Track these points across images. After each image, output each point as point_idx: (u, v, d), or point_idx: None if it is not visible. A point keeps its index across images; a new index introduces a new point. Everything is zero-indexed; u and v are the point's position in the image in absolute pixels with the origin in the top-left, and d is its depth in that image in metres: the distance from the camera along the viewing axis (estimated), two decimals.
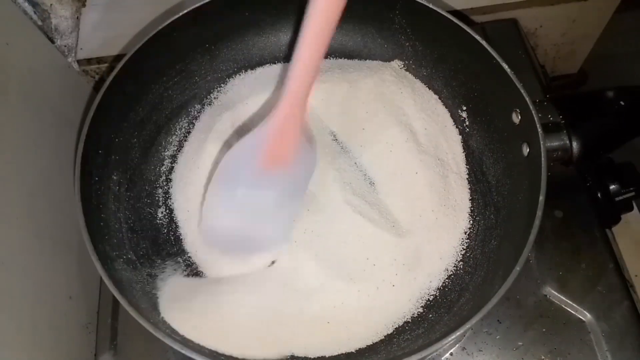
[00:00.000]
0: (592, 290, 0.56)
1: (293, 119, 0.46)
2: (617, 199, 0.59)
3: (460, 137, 0.60)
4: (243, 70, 0.65)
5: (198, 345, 0.46)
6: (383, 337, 0.49)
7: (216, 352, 0.46)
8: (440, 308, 0.50)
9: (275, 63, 0.65)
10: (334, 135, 0.59)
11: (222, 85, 0.64)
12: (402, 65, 0.64)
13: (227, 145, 0.57)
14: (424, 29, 0.61)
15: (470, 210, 0.56)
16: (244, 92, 0.62)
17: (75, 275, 0.56)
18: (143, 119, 0.60)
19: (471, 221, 0.55)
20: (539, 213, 0.45)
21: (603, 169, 0.61)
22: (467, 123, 0.60)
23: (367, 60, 0.64)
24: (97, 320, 0.58)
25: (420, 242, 0.52)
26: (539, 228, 0.45)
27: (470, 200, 0.56)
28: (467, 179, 0.58)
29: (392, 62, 0.64)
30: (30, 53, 0.56)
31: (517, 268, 0.43)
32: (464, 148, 0.59)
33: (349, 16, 0.63)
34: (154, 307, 0.49)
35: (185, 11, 0.57)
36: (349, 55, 0.65)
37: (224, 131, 0.58)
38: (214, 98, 0.63)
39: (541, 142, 0.48)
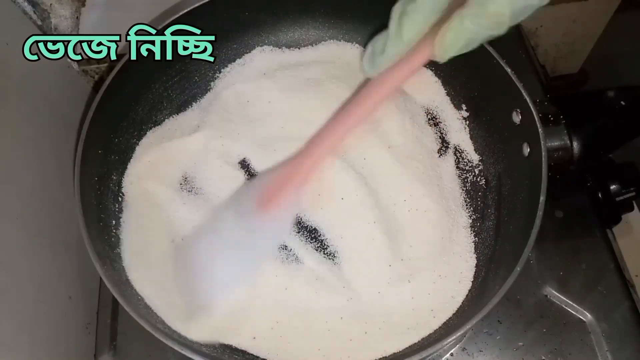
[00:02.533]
0: (592, 291, 0.55)
1: (296, 180, 0.50)
2: (617, 199, 0.59)
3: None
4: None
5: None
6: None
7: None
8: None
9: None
10: None
11: (223, 84, 0.64)
12: None
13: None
14: None
15: (470, 210, 0.56)
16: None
17: (75, 275, 0.56)
18: (143, 119, 0.59)
19: (471, 221, 0.55)
20: (540, 213, 0.45)
21: (604, 169, 0.61)
22: (467, 123, 0.60)
23: None
24: (96, 320, 0.58)
25: None
26: (539, 228, 0.44)
27: (469, 201, 0.56)
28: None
29: None
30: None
31: (518, 268, 0.43)
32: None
33: (349, 16, 0.64)
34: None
35: (185, 11, 0.57)
36: None
37: (224, 128, 0.59)
38: (215, 98, 0.63)
39: (542, 142, 0.48)
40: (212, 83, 0.64)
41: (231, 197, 0.55)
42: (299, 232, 0.54)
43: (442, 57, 0.42)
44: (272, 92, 0.61)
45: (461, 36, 0.40)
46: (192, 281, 0.50)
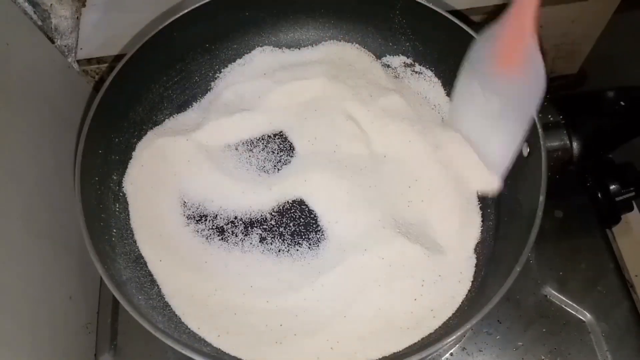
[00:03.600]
0: (592, 291, 0.56)
1: (523, 21, 0.47)
2: (617, 199, 0.59)
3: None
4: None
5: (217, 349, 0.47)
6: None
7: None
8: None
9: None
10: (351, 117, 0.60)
11: (223, 84, 0.64)
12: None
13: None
14: (424, 28, 0.61)
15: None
16: (246, 92, 0.62)
17: (75, 275, 0.56)
18: (143, 118, 0.60)
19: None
20: (539, 213, 0.45)
21: (603, 169, 0.61)
22: None
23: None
24: (97, 320, 0.58)
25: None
26: (539, 228, 0.45)
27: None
28: None
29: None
30: (30, 53, 0.56)
31: (517, 268, 0.43)
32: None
33: (349, 16, 0.64)
34: (154, 307, 0.49)
35: (185, 11, 0.57)
36: None
37: (227, 130, 0.59)
38: (215, 98, 0.63)
39: (541, 142, 0.48)
40: (212, 83, 0.64)
41: (467, 68, 0.54)
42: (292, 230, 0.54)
43: None
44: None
45: None
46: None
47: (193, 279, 0.51)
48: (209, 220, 0.55)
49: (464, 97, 0.56)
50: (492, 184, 0.54)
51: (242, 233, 0.54)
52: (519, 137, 0.50)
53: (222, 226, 0.54)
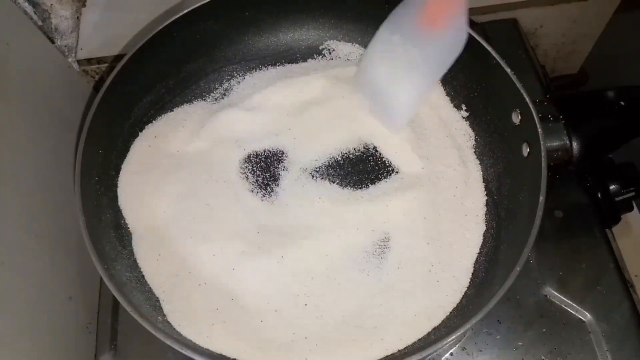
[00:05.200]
0: (592, 291, 0.55)
1: None
2: (617, 199, 0.59)
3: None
4: (243, 71, 0.65)
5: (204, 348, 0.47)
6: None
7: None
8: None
9: (275, 65, 0.65)
10: None
11: (223, 85, 0.64)
12: None
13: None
14: None
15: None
16: (246, 92, 0.62)
17: (75, 275, 0.56)
18: (143, 118, 0.59)
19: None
20: (539, 213, 0.45)
21: (603, 169, 0.61)
22: (468, 123, 0.60)
23: None
24: (97, 320, 0.58)
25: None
26: (539, 228, 0.45)
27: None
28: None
29: None
30: (30, 53, 0.56)
31: (517, 268, 0.43)
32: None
33: (349, 15, 0.64)
34: (154, 307, 0.49)
35: (185, 11, 0.57)
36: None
37: (226, 129, 0.59)
38: (215, 98, 0.63)
39: (541, 142, 0.48)
40: (212, 83, 0.64)
41: (390, 21, 0.56)
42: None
43: None
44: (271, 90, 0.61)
45: None
46: (379, 106, 0.56)
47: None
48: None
49: (382, 46, 0.57)
50: (396, 127, 0.57)
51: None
52: (429, 88, 0.56)
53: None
